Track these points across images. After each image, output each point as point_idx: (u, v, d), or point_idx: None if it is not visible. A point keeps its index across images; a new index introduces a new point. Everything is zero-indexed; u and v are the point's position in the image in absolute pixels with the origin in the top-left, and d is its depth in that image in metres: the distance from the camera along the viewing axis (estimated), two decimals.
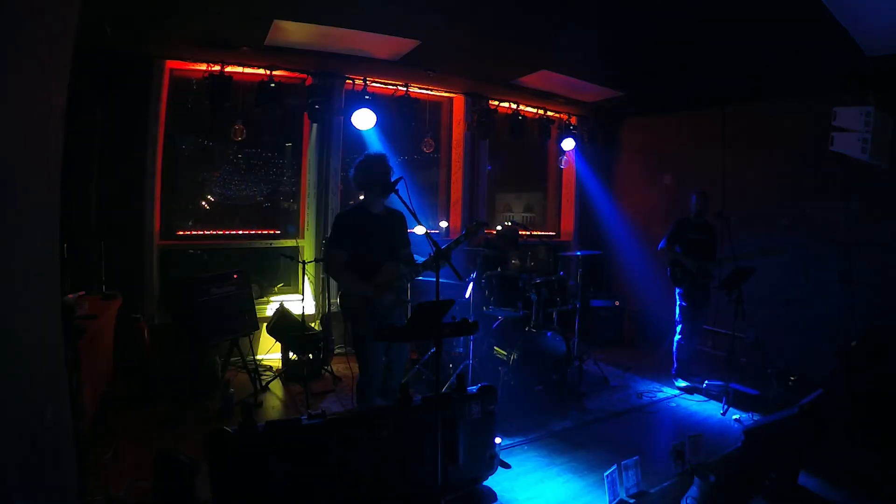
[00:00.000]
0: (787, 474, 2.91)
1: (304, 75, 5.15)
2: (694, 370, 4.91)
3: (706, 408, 4.35)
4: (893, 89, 4.01)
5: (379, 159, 3.01)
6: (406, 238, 3.18)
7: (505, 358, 4.28)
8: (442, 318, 2.39)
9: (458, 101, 6.28)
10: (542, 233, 7.49)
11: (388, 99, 5.48)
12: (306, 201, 5.57)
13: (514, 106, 6.36)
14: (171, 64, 4.78)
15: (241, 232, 5.43)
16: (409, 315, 3.27)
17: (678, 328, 4.81)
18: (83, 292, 3.67)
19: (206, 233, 5.26)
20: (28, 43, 1.54)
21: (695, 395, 4.63)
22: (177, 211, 5.18)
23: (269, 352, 5.06)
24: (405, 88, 5.45)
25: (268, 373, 4.72)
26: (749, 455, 2.56)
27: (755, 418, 4.01)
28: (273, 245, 5.52)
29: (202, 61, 4.68)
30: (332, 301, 5.27)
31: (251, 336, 4.65)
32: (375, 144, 5.44)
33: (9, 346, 1.47)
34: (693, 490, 2.62)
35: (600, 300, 6.38)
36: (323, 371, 4.76)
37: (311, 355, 4.60)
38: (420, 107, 5.70)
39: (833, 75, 4.33)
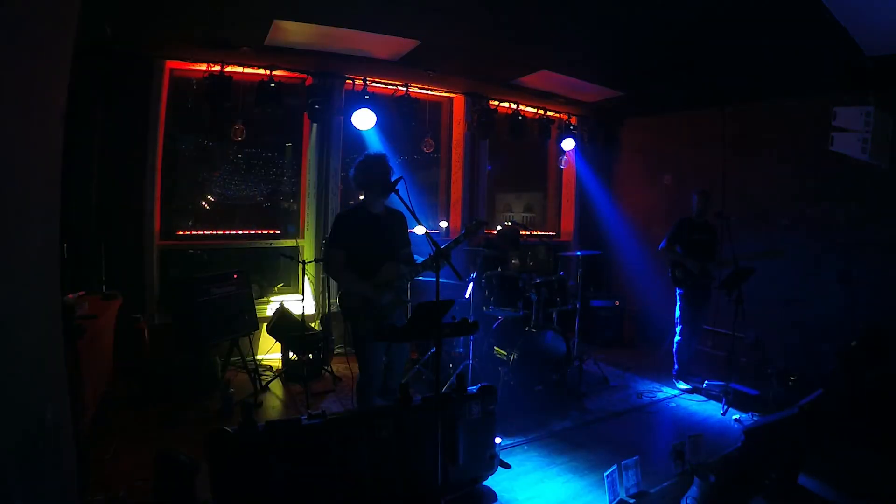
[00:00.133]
0: (787, 474, 2.91)
1: (304, 75, 5.15)
2: (694, 370, 4.91)
3: (706, 408, 4.35)
4: (893, 89, 4.01)
5: (379, 159, 3.01)
6: (406, 238, 3.18)
7: (505, 358, 4.28)
8: (442, 318, 2.39)
9: (458, 101, 6.28)
10: (542, 233, 7.49)
11: (388, 99, 5.48)
12: (306, 201, 5.57)
13: (514, 106, 6.36)
14: (171, 64, 4.78)
15: (241, 232, 5.43)
16: (409, 315, 3.28)
17: (678, 328, 4.80)
18: (83, 292, 3.66)
19: (206, 233, 5.26)
20: (28, 43, 1.54)
21: (695, 395, 4.63)
22: (177, 211, 5.18)
23: (269, 352, 5.06)
24: (405, 88, 5.45)
25: (268, 373, 4.72)
26: (749, 455, 2.56)
27: (755, 418, 4.00)
28: (273, 245, 5.52)
29: (202, 61, 4.68)
30: (332, 301, 5.27)
31: (251, 336, 4.65)
32: (375, 144, 5.44)
33: (9, 346, 1.47)
34: (693, 490, 2.62)
35: (600, 300, 6.37)
36: (323, 371, 4.76)
37: (311, 355, 4.60)
38: (420, 107, 5.70)
39: (833, 75, 4.32)
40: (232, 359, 4.45)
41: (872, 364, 3.95)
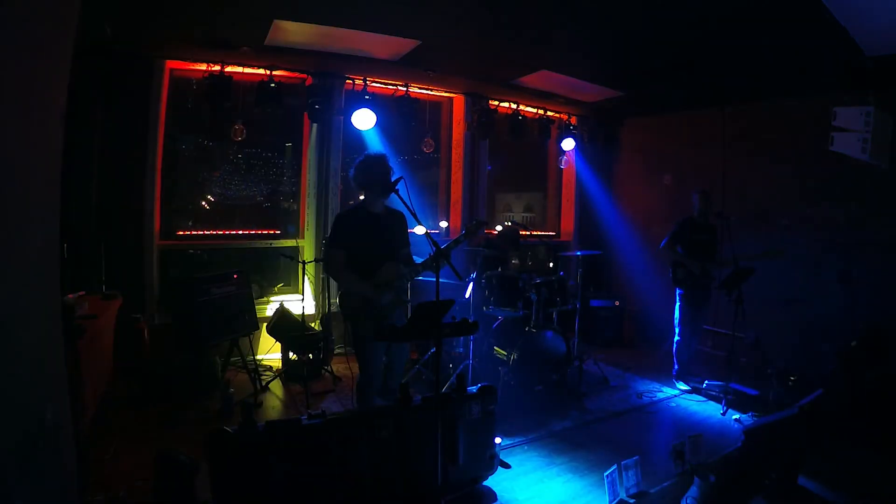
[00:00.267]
0: (787, 474, 2.91)
1: (304, 75, 5.14)
2: (694, 370, 4.91)
3: (706, 408, 4.35)
4: (893, 89, 4.01)
5: (379, 159, 3.01)
6: (406, 238, 3.18)
7: (505, 358, 4.28)
8: (442, 318, 2.39)
9: (458, 101, 6.28)
10: (542, 233, 7.49)
11: (388, 99, 5.48)
12: (306, 201, 5.57)
13: (514, 106, 6.36)
14: (171, 64, 4.78)
15: (241, 232, 5.43)
16: (409, 315, 3.28)
17: (677, 329, 4.80)
18: (83, 292, 3.67)
19: (206, 233, 5.26)
20: (28, 43, 1.54)
21: (695, 395, 4.63)
22: (177, 211, 5.18)
23: (269, 352, 5.06)
24: (405, 88, 5.45)
25: (268, 373, 4.72)
26: (749, 455, 2.56)
27: (755, 418, 4.00)
28: (273, 245, 5.52)
29: (202, 61, 4.68)
30: (332, 301, 5.27)
31: (251, 336, 4.65)
32: (375, 144, 5.44)
33: (9, 346, 1.47)
34: (693, 490, 2.62)
35: (600, 300, 6.37)
36: (323, 371, 4.76)
37: (311, 355, 4.60)
38: (420, 107, 5.70)
39: (833, 75, 4.32)
40: (232, 359, 4.45)
41: (872, 364, 3.95)
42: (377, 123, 5.18)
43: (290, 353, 4.65)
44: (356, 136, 5.47)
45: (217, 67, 4.64)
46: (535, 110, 6.54)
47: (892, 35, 3.42)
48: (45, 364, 1.80)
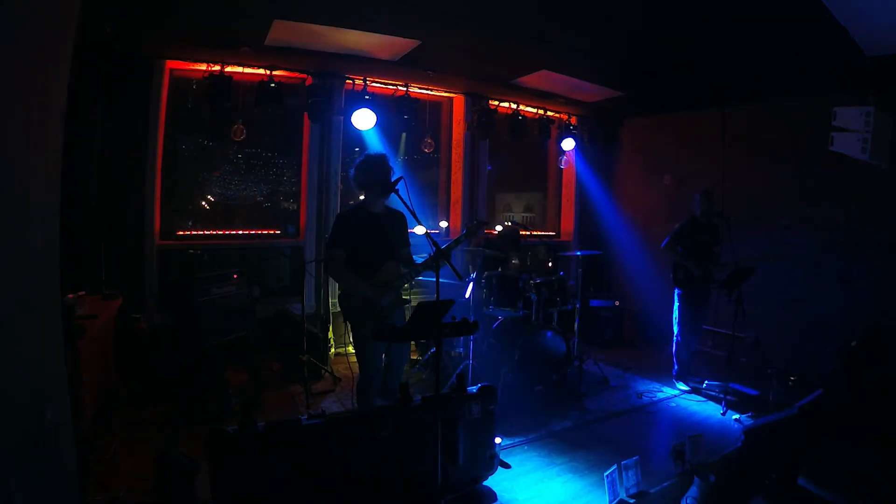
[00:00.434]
0: (787, 474, 2.90)
1: (304, 75, 5.14)
2: (694, 370, 4.90)
3: (706, 408, 4.35)
4: (893, 89, 4.01)
5: (379, 159, 3.01)
6: (406, 238, 3.18)
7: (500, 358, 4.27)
8: (442, 318, 2.39)
9: (458, 101, 6.28)
10: (542, 233, 7.49)
11: (388, 99, 5.48)
12: (306, 201, 5.57)
13: (514, 106, 6.36)
14: (171, 64, 4.78)
15: (241, 232, 5.43)
16: (410, 315, 3.28)
17: (677, 329, 4.80)
18: (83, 292, 3.67)
19: (206, 233, 5.26)
20: (28, 43, 1.54)
21: (694, 395, 4.62)
22: (177, 211, 5.18)
23: (270, 351, 5.05)
24: (405, 88, 5.45)
25: (267, 373, 4.71)
26: (749, 455, 2.55)
27: (755, 418, 4.00)
28: (273, 245, 5.51)
29: (202, 61, 4.68)
30: (332, 301, 5.26)
31: (251, 336, 4.64)
32: (375, 144, 5.44)
33: (9, 346, 1.47)
34: (693, 490, 2.62)
35: (600, 300, 6.37)
36: (323, 371, 4.76)
37: (311, 355, 4.60)
38: (420, 107, 5.70)
39: (833, 75, 4.33)
40: (232, 359, 4.44)
41: (872, 364, 3.95)
42: (377, 123, 5.18)
43: (290, 353, 4.64)
44: (356, 136, 5.47)
45: (217, 67, 4.64)
46: (535, 110, 6.54)
47: (892, 35, 3.42)
48: (45, 364, 1.80)
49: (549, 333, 4.41)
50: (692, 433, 3.19)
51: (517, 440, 3.56)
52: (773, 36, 3.75)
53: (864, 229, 4.67)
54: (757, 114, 5.58)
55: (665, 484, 2.99)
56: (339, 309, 4.69)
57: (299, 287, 5.30)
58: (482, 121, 6.03)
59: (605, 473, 2.82)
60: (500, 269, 4.70)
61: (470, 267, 4.72)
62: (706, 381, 4.71)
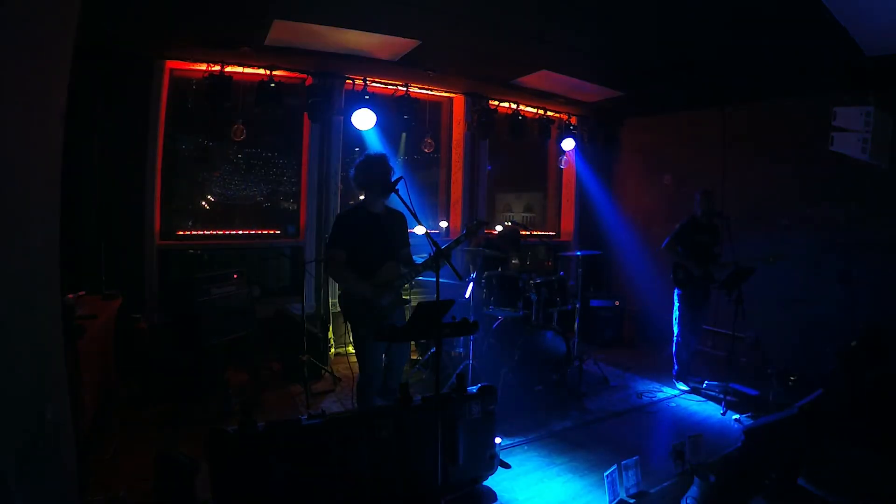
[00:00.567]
0: (787, 474, 2.91)
1: (304, 75, 5.14)
2: (694, 370, 4.90)
3: (706, 408, 4.35)
4: (893, 89, 4.01)
5: (379, 159, 3.01)
6: (406, 238, 3.19)
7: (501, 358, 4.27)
8: (442, 318, 2.39)
9: (458, 101, 6.28)
10: (542, 233, 7.49)
11: (388, 99, 5.48)
12: (306, 201, 5.57)
13: (514, 106, 6.36)
14: (171, 64, 4.78)
15: (241, 232, 5.43)
16: (410, 315, 3.28)
17: (677, 329, 4.80)
18: (83, 292, 3.67)
19: (206, 233, 5.26)
20: (28, 43, 1.54)
21: (694, 395, 4.62)
22: (177, 211, 5.18)
23: (270, 351, 5.05)
24: (405, 88, 5.45)
25: (267, 373, 4.71)
26: (749, 455, 2.55)
27: (755, 418, 4.00)
28: (273, 245, 5.51)
29: (202, 61, 4.68)
30: (332, 301, 5.26)
31: (251, 336, 4.64)
32: (375, 144, 5.44)
33: (9, 346, 1.47)
34: (693, 490, 2.62)
35: (600, 300, 6.37)
36: (323, 371, 4.76)
37: (311, 355, 4.60)
38: (420, 107, 5.70)
39: (833, 75, 4.33)
40: (232, 359, 4.44)
41: (872, 364, 3.95)
42: (377, 123, 5.18)
43: (290, 353, 4.64)
44: (356, 136, 5.47)
45: (217, 67, 4.64)
46: (535, 110, 6.54)
47: (892, 35, 3.42)
48: (45, 364, 1.80)
49: (549, 333, 4.41)
50: (692, 433, 3.19)
51: (517, 440, 3.56)
52: (773, 36, 3.74)
53: (864, 229, 4.67)
54: (757, 114, 5.58)
55: (665, 484, 2.99)
56: (339, 309, 4.69)
57: (299, 287, 5.30)
58: (482, 121, 6.03)
59: (605, 473, 2.82)
60: (500, 269, 4.70)
61: (470, 267, 4.71)
62: (706, 381, 4.71)
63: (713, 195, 4.75)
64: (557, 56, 4.69)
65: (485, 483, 2.98)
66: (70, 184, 2.22)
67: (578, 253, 5.11)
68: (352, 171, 3.08)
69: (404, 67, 4.98)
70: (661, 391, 4.71)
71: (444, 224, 6.37)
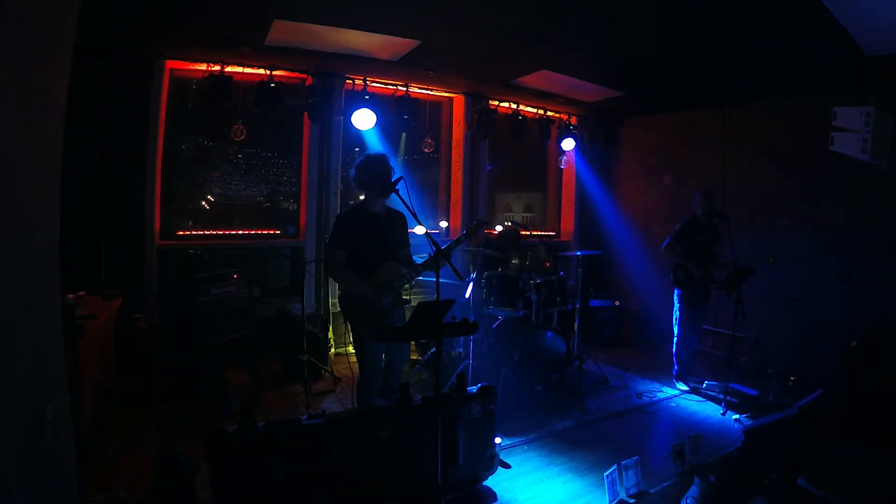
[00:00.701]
0: (787, 474, 2.90)
1: (304, 75, 5.14)
2: (694, 370, 4.90)
3: (706, 408, 4.35)
4: (893, 89, 4.01)
5: (379, 159, 3.01)
6: (406, 238, 3.19)
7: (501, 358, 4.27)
8: (442, 318, 2.39)
9: (458, 101, 6.28)
10: (542, 233, 7.49)
11: (388, 99, 5.48)
12: (306, 201, 5.57)
13: (514, 106, 6.36)
14: (171, 64, 4.78)
15: (241, 232, 5.43)
16: (410, 315, 3.28)
17: (677, 329, 4.80)
18: (83, 292, 3.67)
19: (206, 233, 5.26)
20: (28, 43, 1.54)
21: (694, 395, 4.62)
22: (177, 211, 5.18)
23: (270, 351, 5.05)
24: (405, 88, 5.45)
25: (268, 373, 4.71)
26: (749, 455, 2.55)
27: (755, 418, 4.00)
28: (273, 245, 5.51)
29: (202, 61, 4.68)
30: (332, 301, 5.26)
31: (251, 336, 4.64)
32: (375, 144, 5.44)
33: (9, 346, 1.47)
34: (693, 490, 2.62)
35: (600, 300, 6.37)
36: (323, 371, 4.76)
37: (311, 355, 4.60)
38: (420, 107, 5.70)
39: (833, 75, 4.33)
40: (232, 359, 4.44)
41: (872, 364, 3.95)
42: (377, 123, 5.18)
43: (291, 353, 4.64)
44: (356, 136, 5.47)
45: (217, 67, 4.64)
46: (535, 110, 6.54)
47: (892, 35, 3.42)
48: (45, 364, 1.80)
49: (549, 333, 4.41)
50: (692, 433, 3.19)
51: (517, 440, 3.56)
52: (773, 36, 3.75)
53: (864, 229, 4.67)
54: (757, 114, 5.58)
55: (665, 484, 2.99)
56: (339, 309, 4.69)
57: (299, 287, 5.30)
58: (482, 121, 6.03)
59: (605, 473, 2.82)
60: (500, 269, 4.70)
61: (470, 267, 4.71)
62: (706, 381, 4.71)
63: (713, 195, 4.75)
64: (557, 56, 4.69)
65: (485, 483, 2.98)
66: (70, 184, 2.22)
67: (578, 253, 5.11)
68: (352, 171, 3.08)
69: (404, 67, 4.98)
70: (661, 391, 4.71)
71: (444, 224, 6.37)
